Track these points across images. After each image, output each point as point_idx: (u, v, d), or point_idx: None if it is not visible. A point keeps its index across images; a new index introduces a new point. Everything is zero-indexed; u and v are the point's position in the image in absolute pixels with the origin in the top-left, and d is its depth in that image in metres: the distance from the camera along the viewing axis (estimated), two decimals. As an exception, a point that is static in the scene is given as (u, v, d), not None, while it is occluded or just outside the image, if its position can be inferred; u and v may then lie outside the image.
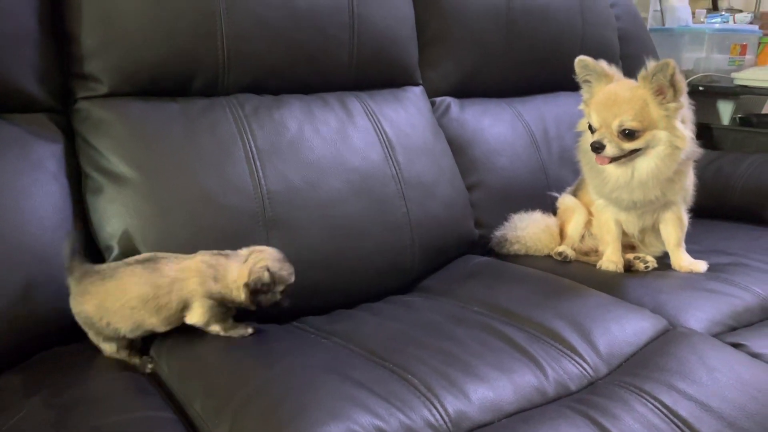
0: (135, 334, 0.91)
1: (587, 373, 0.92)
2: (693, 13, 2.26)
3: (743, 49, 2.13)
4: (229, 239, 1.03)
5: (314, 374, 0.83)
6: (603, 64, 1.23)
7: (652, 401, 0.84)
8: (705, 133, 2.09)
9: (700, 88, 2.03)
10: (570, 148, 1.67)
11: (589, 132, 1.22)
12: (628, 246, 1.32)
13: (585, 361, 0.94)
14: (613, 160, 1.16)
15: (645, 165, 1.16)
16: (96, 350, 0.94)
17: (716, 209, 1.68)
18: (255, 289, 0.89)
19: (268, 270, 0.90)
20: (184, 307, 0.90)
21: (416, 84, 1.47)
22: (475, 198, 1.45)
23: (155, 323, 0.90)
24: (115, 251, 1.01)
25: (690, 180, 1.27)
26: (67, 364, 0.89)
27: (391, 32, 1.37)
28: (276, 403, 0.75)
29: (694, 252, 1.41)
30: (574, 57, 1.84)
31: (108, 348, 0.92)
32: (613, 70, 1.23)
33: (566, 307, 1.06)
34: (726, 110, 2.18)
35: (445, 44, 1.53)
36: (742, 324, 1.10)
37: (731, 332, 1.07)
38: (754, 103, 2.26)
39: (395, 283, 1.24)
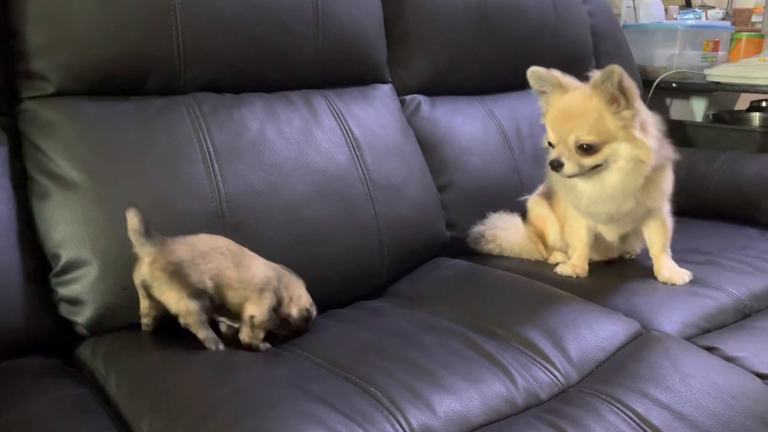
0: (211, 287, 0.88)
1: (558, 380, 0.89)
2: (666, 10, 2.25)
3: (716, 46, 2.12)
4: (185, 246, 0.97)
5: (271, 390, 0.78)
6: (556, 73, 1.14)
7: (624, 410, 0.81)
8: (678, 130, 2.08)
9: (674, 85, 2.02)
10: (543, 147, 1.64)
11: (550, 147, 1.15)
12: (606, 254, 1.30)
13: (556, 368, 0.91)
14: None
15: (611, 179, 1.10)
16: (39, 367, 0.88)
17: (690, 208, 1.66)
18: (299, 319, 0.95)
19: (308, 311, 0.97)
20: (259, 289, 0.91)
21: (385, 82, 1.43)
22: (446, 199, 1.42)
23: (231, 277, 0.90)
24: (63, 260, 0.96)
25: (670, 182, 1.20)
26: (2, 383, 0.83)
27: (357, 28, 1.33)
28: (228, 423, 0.71)
29: (672, 252, 1.39)
30: (548, 54, 1.83)
31: (192, 306, 0.86)
32: (568, 80, 1.14)
33: (538, 312, 1.03)
34: (699, 107, 2.17)
35: (414, 41, 1.49)
36: (715, 326, 1.08)
37: (704, 335, 1.05)
38: (728, 99, 2.26)
39: (364, 288, 1.20)
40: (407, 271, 1.28)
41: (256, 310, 0.90)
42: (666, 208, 1.23)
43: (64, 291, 0.96)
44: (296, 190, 1.13)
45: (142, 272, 0.87)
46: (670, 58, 2.09)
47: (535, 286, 1.14)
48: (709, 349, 0.97)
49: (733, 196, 1.58)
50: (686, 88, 2.07)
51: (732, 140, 1.96)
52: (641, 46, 2.11)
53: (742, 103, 2.23)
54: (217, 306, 0.90)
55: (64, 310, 0.97)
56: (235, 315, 0.92)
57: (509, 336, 0.96)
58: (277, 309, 0.93)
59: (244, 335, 0.91)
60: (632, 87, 1.04)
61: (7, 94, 1.04)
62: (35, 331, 0.97)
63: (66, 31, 1.03)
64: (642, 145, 1.06)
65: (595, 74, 1.07)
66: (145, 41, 1.07)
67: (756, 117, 2.07)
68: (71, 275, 0.96)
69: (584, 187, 1.14)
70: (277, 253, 1.07)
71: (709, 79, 1.93)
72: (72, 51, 1.04)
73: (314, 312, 0.99)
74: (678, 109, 2.21)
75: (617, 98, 1.04)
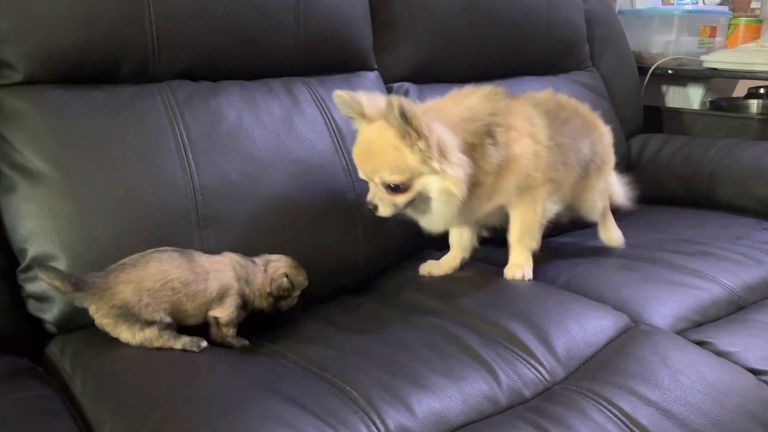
0: (168, 318, 0.85)
1: (543, 378, 0.86)
2: (662, -5, 2.20)
3: (713, 32, 2.07)
4: (157, 240, 0.94)
5: (241, 391, 0.75)
6: (362, 99, 0.99)
7: (610, 408, 0.78)
8: (675, 117, 2.04)
9: (670, 72, 1.97)
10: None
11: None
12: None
13: (541, 364, 0.87)
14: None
15: (435, 208, 1.01)
16: (7, 367, 0.85)
17: (685, 197, 1.63)
18: (278, 296, 0.94)
19: (287, 276, 0.95)
20: (218, 297, 0.89)
21: (371, 69, 1.39)
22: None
23: (188, 310, 0.87)
24: (30, 255, 0.92)
25: (522, 173, 1.04)
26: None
27: (341, 13, 1.28)
28: (191, 427, 0.67)
29: (661, 241, 1.36)
30: (540, 40, 1.78)
31: (149, 333, 0.83)
32: (375, 109, 0.98)
33: (524, 305, 1.00)
34: (696, 94, 2.13)
35: (401, 27, 1.45)
36: (708, 319, 1.05)
37: (697, 328, 1.01)
38: (726, 86, 2.21)
39: (346, 281, 1.16)
40: (393, 263, 1.25)
41: (219, 312, 0.88)
42: (541, 192, 1.09)
43: (31, 287, 0.93)
44: (275, 181, 1.09)
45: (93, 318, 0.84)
46: (666, 45, 2.04)
47: (521, 281, 1.10)
48: (701, 344, 0.94)
49: (729, 185, 1.54)
50: (682, 75, 2.03)
51: (729, 128, 1.92)
52: (637, 32, 2.06)
53: (741, 90, 2.18)
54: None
55: (32, 307, 0.94)
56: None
57: (494, 331, 0.92)
58: (244, 306, 0.89)
59: (213, 335, 0.87)
60: (417, 116, 0.91)
61: (-29, 83, 1.00)
62: (4, 328, 0.94)
63: (33, 16, 0.99)
64: (449, 176, 0.95)
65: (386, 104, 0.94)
66: (116, 27, 1.03)
67: (754, 104, 2.03)
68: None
69: (418, 217, 1.06)
70: (255, 247, 1.04)
71: (706, 65, 1.89)
72: (39, 37, 0.99)
73: (300, 279, 0.96)
74: (675, 96, 2.16)
75: (407, 130, 0.92)
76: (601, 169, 1.23)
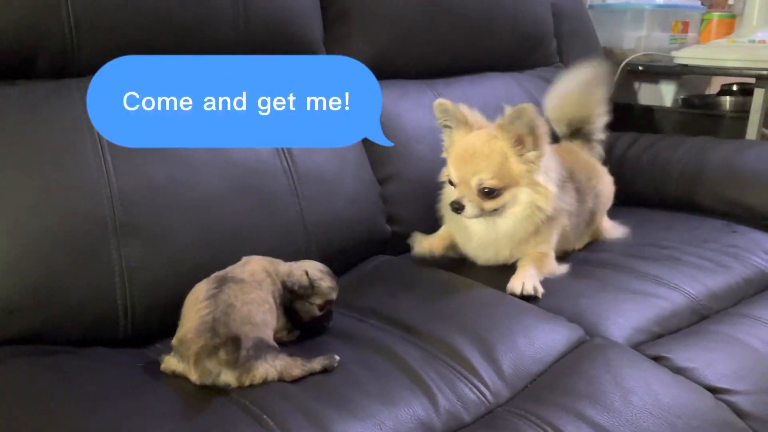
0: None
1: (486, 399, 0.79)
2: (635, -11, 2.14)
3: (685, 27, 2.02)
4: (68, 249, 0.87)
5: (143, 421, 0.67)
6: (464, 109, 1.08)
7: (554, 435, 0.71)
8: (646, 115, 1.99)
9: (640, 68, 1.91)
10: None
11: (450, 185, 1.09)
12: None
13: (485, 384, 0.80)
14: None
15: (504, 224, 1.06)
16: None
17: (653, 198, 1.57)
18: (291, 290, 0.87)
19: (307, 274, 0.88)
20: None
21: (321, 64, 1.31)
22: (388, 191, 1.31)
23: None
24: (-76, 268, 0.84)
25: (556, 235, 1.11)
26: None
27: (286, 3, 1.21)
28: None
29: (626, 245, 1.30)
30: (505, 35, 1.71)
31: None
32: (476, 117, 1.08)
33: (472, 317, 0.93)
34: (668, 91, 2.08)
35: (355, 19, 1.37)
36: (669, 330, 0.98)
37: (656, 341, 0.95)
38: (700, 83, 2.16)
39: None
40: (342, 271, 1.17)
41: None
42: (550, 253, 1.12)
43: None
44: (208, 186, 1.01)
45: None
46: (637, 41, 1.98)
47: (473, 288, 1.03)
48: (658, 359, 0.88)
49: (698, 185, 1.49)
50: (653, 72, 1.98)
51: (702, 126, 1.87)
52: (608, 27, 2.00)
53: (717, 87, 2.14)
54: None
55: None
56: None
57: (437, 346, 0.86)
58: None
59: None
60: (542, 127, 1.01)
61: None
62: None
63: (-64, 5, 0.90)
64: (542, 191, 1.03)
65: (507, 111, 1.01)
66: (29, 17, 0.95)
67: (726, 101, 1.98)
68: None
69: (477, 228, 1.09)
70: (186, 257, 0.96)
71: (677, 61, 1.83)
72: (-57, 29, 0.91)
73: (322, 285, 0.89)
74: (647, 93, 2.11)
75: (524, 139, 1.00)
76: (602, 211, 1.29)
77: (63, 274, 0.87)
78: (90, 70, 1.01)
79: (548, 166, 1.04)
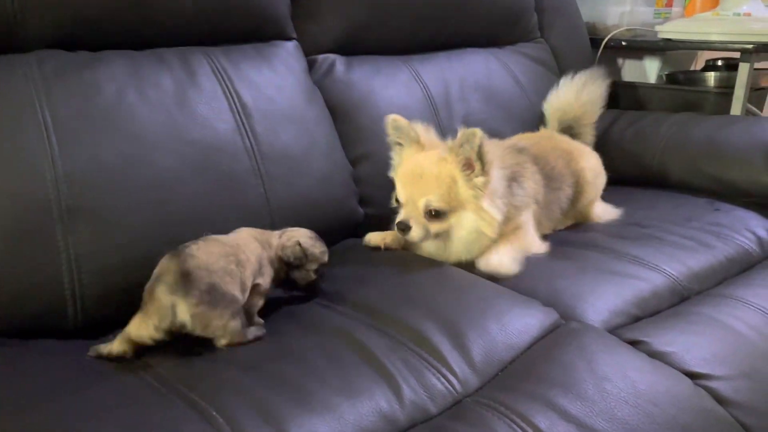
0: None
1: (453, 389, 0.74)
2: (619, -38, 2.08)
3: (669, 1, 1.97)
4: (8, 235, 0.81)
5: (83, 419, 0.62)
6: (418, 128, 1.06)
7: (524, 426, 0.67)
8: (630, 92, 1.94)
9: (623, 44, 1.86)
10: (476, 111, 1.48)
11: (396, 203, 1.06)
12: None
13: (453, 373, 0.76)
14: None
15: (453, 246, 1.03)
16: None
17: (636, 175, 1.53)
18: (288, 263, 0.89)
19: (300, 245, 0.90)
20: (259, 267, 0.85)
21: (288, 38, 1.25)
22: (361, 172, 1.26)
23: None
24: None
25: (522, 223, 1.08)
26: None
27: (249, -26, 1.14)
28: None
29: (607, 225, 1.26)
30: (483, 9, 1.65)
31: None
32: (429, 137, 1.06)
33: (443, 301, 0.88)
34: (652, 67, 2.03)
35: (324, -9, 1.31)
36: (648, 312, 0.95)
37: (634, 324, 0.91)
38: (685, 59, 2.11)
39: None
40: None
41: (261, 279, 0.85)
42: (526, 227, 1.10)
43: None
44: (164, 166, 0.96)
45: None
46: (621, 15, 1.92)
47: (446, 270, 0.99)
48: (635, 343, 0.84)
49: (680, 162, 1.45)
50: (636, 47, 1.92)
51: (686, 102, 1.83)
52: (591, 1, 1.94)
53: (702, 63, 2.09)
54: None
55: None
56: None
57: (404, 333, 0.81)
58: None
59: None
60: (491, 153, 0.99)
61: None
62: None
63: None
64: (487, 217, 1.00)
65: (459, 134, 0.99)
66: (-36, -14, 0.88)
67: (711, 77, 1.93)
68: None
69: (427, 246, 1.05)
70: (140, 242, 0.91)
71: (660, 36, 1.78)
72: None
73: (315, 251, 0.91)
74: (630, 69, 2.06)
75: (472, 163, 0.98)
76: (587, 194, 1.25)
77: (2, 260, 0.81)
78: (37, 44, 0.96)
79: (494, 190, 1.01)
